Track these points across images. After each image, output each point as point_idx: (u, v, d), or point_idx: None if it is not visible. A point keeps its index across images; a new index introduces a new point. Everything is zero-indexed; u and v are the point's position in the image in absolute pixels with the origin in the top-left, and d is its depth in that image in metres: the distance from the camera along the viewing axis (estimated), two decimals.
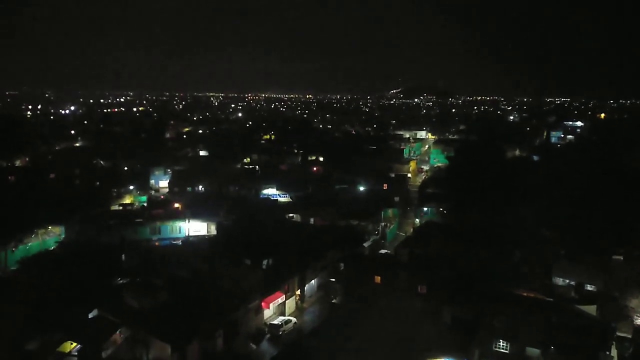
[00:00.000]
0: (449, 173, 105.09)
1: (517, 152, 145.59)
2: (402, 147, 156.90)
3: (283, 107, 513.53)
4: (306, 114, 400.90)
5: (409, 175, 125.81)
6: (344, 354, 45.73)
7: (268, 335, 56.10)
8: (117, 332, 49.85)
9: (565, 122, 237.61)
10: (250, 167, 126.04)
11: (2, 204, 78.64)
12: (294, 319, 59.38)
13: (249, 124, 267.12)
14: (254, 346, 54.35)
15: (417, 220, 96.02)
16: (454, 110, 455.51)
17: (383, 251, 79.12)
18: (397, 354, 42.81)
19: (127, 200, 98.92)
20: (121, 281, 61.64)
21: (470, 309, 46.27)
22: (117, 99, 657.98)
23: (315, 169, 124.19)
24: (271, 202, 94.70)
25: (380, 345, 45.08)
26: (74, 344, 47.66)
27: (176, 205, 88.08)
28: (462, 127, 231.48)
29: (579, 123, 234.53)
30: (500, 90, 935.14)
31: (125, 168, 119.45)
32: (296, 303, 63.78)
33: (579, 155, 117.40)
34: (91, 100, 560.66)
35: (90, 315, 52.58)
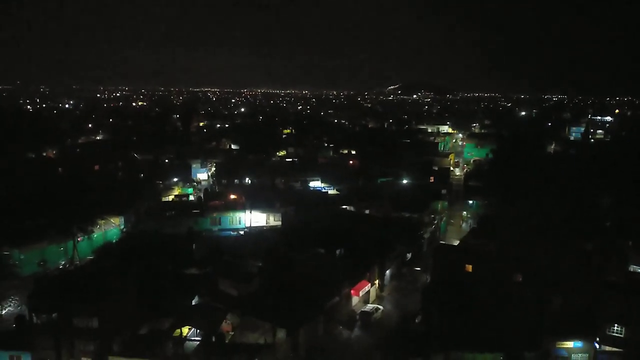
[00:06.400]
0: (495, 166, 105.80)
1: (553, 147, 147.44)
2: (436, 141, 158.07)
3: (283, 103, 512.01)
4: (308, 109, 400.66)
5: (451, 168, 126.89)
6: (455, 339, 46.68)
7: (359, 322, 56.89)
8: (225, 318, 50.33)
9: (594, 117, 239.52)
10: (289, 160, 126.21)
11: (61, 195, 78.40)
12: (381, 307, 60.27)
13: (260, 118, 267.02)
14: (349, 332, 55.08)
15: (465, 212, 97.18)
16: (456, 106, 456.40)
17: (442, 242, 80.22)
18: (522, 337, 43.77)
19: (176, 192, 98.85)
20: (199, 270, 62.03)
21: (581, 295, 47.33)
22: (114, 94, 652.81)
23: (351, 162, 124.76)
24: (322, 194, 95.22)
25: (493, 329, 46.04)
26: (189, 329, 47.96)
27: (232, 196, 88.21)
28: (487, 122, 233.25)
29: (608, 118, 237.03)
30: (496, 87, 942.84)
31: (167, 161, 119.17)
32: (376, 291, 64.67)
33: (623, 149, 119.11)
34: (87, 95, 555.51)
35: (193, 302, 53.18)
